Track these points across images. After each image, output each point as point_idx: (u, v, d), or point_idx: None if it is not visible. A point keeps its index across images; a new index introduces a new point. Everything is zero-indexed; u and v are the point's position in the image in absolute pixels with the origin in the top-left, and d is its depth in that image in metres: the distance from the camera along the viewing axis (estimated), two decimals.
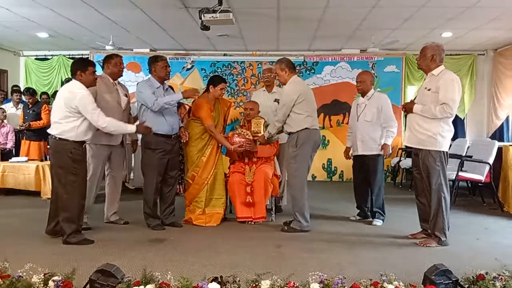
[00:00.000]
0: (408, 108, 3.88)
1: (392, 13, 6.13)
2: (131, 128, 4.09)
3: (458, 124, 8.61)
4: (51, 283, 2.42)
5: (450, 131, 3.81)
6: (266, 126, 4.65)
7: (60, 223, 3.80)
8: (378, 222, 4.59)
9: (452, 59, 8.53)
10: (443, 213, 3.74)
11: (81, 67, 3.86)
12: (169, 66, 4.45)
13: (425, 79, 4.00)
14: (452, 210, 5.38)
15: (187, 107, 5.30)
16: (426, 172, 3.79)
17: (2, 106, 7.56)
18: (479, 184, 6.11)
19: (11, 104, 7.66)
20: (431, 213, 3.79)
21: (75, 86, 3.82)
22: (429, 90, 3.76)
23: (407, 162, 7.52)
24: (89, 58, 8.64)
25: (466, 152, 6.34)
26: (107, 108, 4.23)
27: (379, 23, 6.61)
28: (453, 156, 6.16)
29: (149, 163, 4.36)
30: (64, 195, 3.76)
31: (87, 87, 3.86)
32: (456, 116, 8.48)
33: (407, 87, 8.52)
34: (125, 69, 7.85)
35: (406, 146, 4.03)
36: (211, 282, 2.43)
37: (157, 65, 4.37)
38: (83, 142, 3.87)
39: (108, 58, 4.44)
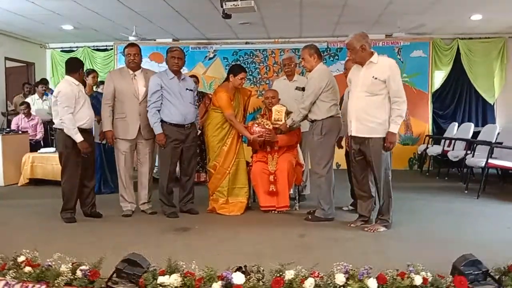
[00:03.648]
0: (393, 142, 3.76)
1: None
2: (77, 137, 4.12)
3: (488, 109, 8.36)
4: (78, 272, 2.46)
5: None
6: (287, 114, 4.59)
7: None
8: None
9: (482, 43, 8.25)
10: (391, 197, 3.85)
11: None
12: (177, 58, 4.40)
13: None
14: (482, 198, 5.31)
15: (211, 97, 5.29)
16: (377, 159, 3.77)
17: (27, 100, 7.76)
18: (510, 171, 5.92)
19: (36, 96, 7.83)
20: (381, 198, 3.85)
21: None
22: (376, 79, 3.70)
23: (434, 150, 7.37)
24: (113, 49, 8.80)
25: (496, 138, 6.14)
26: (122, 100, 4.41)
27: (405, 7, 6.42)
28: (483, 142, 6.00)
29: (163, 152, 4.44)
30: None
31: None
32: (485, 101, 8.29)
33: (434, 72, 8.30)
34: (148, 59, 8.07)
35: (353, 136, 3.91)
36: (235, 271, 2.43)
37: (167, 56, 4.46)
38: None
39: (124, 49, 4.57)
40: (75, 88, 4.18)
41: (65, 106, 4.09)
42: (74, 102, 4.12)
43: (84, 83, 4.74)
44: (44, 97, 7.79)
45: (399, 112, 3.69)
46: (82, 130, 4.16)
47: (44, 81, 8.18)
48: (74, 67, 4.29)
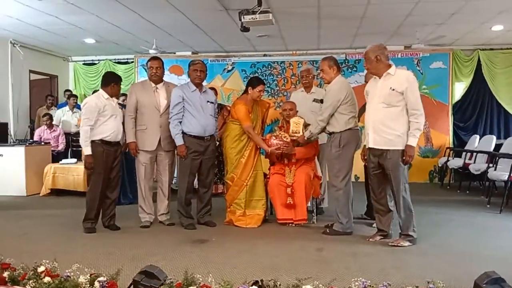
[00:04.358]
0: (412, 155, 3.69)
1: (438, 8, 5.89)
2: (85, 150, 4.26)
3: (510, 121, 8.20)
4: (96, 284, 2.49)
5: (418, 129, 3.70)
6: (305, 126, 4.58)
7: None
8: None
9: (503, 54, 8.11)
10: (412, 211, 3.77)
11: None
12: (200, 71, 4.47)
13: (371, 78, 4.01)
14: (505, 212, 5.19)
15: (229, 109, 5.33)
16: (395, 172, 3.72)
17: (58, 110, 7.98)
18: None
19: (67, 108, 8.03)
20: (401, 213, 3.77)
21: None
22: (393, 90, 3.68)
23: (455, 162, 7.24)
24: (134, 62, 8.95)
25: None
26: (143, 112, 4.49)
27: (424, 18, 6.38)
28: (505, 155, 5.87)
29: (182, 164, 4.51)
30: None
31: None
32: (507, 113, 8.14)
33: (454, 84, 8.19)
34: (167, 72, 8.18)
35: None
36: (252, 285, 2.42)
37: (189, 69, 4.54)
38: (99, 140, 4.26)
39: (150, 63, 4.62)
40: (102, 102, 4.28)
41: (86, 117, 4.24)
42: (96, 115, 4.22)
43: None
44: (75, 110, 7.99)
45: (417, 125, 3.66)
46: (106, 142, 4.28)
47: (69, 92, 8.43)
48: (106, 81, 4.39)
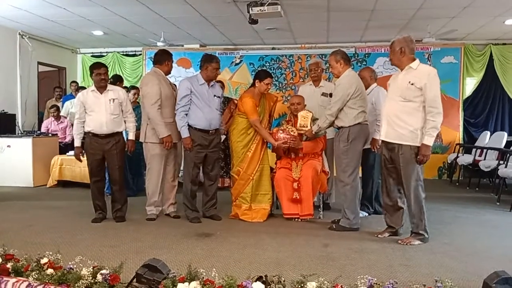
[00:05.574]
0: (426, 155, 3.62)
1: (450, 1, 5.78)
2: (75, 142, 4.54)
3: None
4: (99, 276, 2.47)
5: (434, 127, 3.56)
6: (313, 120, 4.52)
7: None
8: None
9: None
10: (424, 211, 3.68)
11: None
12: (218, 69, 4.49)
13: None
14: None
15: (236, 102, 5.28)
16: (406, 168, 3.64)
17: (67, 102, 7.98)
18: None
19: (75, 100, 8.01)
20: (412, 211, 3.70)
21: None
22: (412, 84, 3.58)
23: (465, 159, 7.14)
24: (142, 55, 8.93)
25: None
26: (166, 105, 4.49)
27: (435, 11, 6.27)
28: None
29: (186, 156, 4.49)
30: None
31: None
32: None
33: (465, 79, 8.07)
34: (175, 65, 8.15)
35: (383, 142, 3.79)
36: (256, 281, 2.38)
37: (210, 65, 4.42)
38: (88, 133, 4.40)
39: (169, 57, 4.64)
40: (85, 95, 4.38)
41: (75, 111, 4.51)
42: (79, 108, 4.38)
43: (102, 85, 4.40)
44: None
45: (434, 123, 3.52)
46: (93, 135, 4.35)
47: (75, 83, 8.43)
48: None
